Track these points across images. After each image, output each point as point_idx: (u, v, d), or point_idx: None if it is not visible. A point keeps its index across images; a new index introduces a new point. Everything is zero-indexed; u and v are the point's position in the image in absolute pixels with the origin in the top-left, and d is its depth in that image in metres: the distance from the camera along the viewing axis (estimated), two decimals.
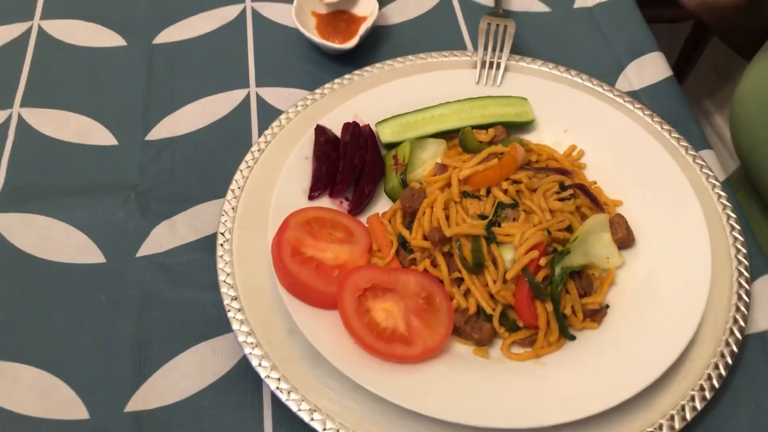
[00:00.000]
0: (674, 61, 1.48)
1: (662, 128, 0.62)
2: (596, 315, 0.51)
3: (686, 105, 0.67)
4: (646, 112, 0.63)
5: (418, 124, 0.60)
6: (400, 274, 0.51)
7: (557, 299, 0.49)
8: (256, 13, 0.75)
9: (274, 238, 0.52)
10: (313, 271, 0.51)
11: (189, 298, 0.54)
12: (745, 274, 0.53)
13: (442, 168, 0.56)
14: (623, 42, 0.72)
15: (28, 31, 0.73)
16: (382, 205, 0.58)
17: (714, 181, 0.59)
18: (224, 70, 0.70)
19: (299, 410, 0.47)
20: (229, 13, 0.75)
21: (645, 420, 0.47)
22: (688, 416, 0.47)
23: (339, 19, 0.72)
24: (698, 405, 0.47)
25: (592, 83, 0.65)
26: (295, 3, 0.70)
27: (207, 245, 0.57)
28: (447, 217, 0.53)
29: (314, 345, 0.48)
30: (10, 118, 0.66)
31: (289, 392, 0.47)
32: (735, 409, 0.49)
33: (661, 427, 0.46)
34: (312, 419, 0.46)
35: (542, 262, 0.50)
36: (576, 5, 0.76)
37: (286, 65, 0.70)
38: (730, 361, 0.49)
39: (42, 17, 0.74)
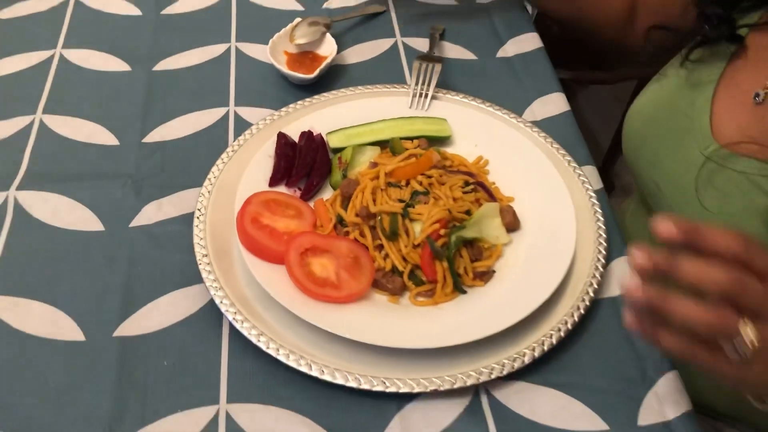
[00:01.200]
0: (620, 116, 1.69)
1: (552, 146, 0.78)
2: (484, 276, 0.66)
3: (578, 132, 0.83)
4: (541, 135, 0.80)
5: (360, 134, 0.76)
6: (335, 240, 0.67)
7: (452, 260, 0.64)
8: (238, 51, 0.92)
9: (239, 210, 0.67)
10: (267, 235, 0.66)
11: (169, 257, 0.69)
12: (603, 253, 0.69)
13: (374, 165, 0.72)
14: (533, 83, 0.90)
15: (52, 56, 0.89)
16: (327, 194, 0.74)
17: (588, 186, 0.75)
18: (209, 93, 0.86)
19: (250, 334, 0.61)
20: (216, 49, 0.92)
21: (514, 350, 0.61)
22: (545, 348, 0.61)
23: (305, 57, 0.89)
24: (554, 341, 0.62)
25: (501, 112, 0.82)
26: (270, 43, 0.87)
27: (186, 220, 0.71)
28: (374, 201, 0.68)
29: (265, 288, 0.62)
30: (33, 122, 0.81)
31: (242, 322, 0.62)
32: (584, 348, 0.64)
33: (524, 354, 0.61)
34: (259, 341, 0.61)
35: (442, 232, 0.65)
36: (498, 55, 0.94)
37: (259, 91, 0.86)
38: (583, 312, 0.64)
39: (63, 46, 0.91)
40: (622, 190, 1.94)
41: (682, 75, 0.72)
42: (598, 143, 1.90)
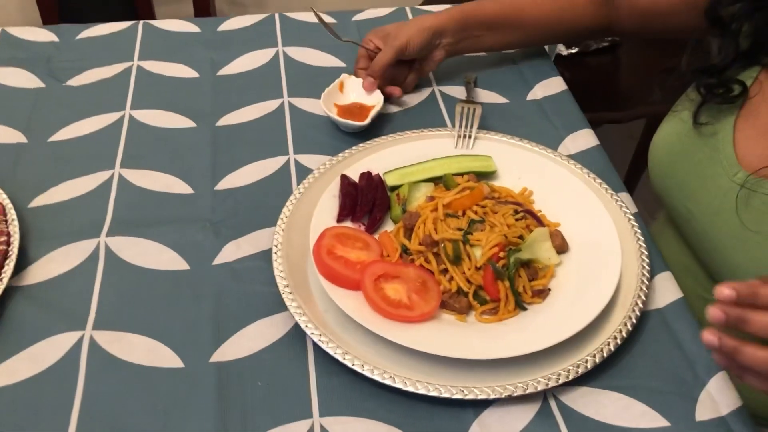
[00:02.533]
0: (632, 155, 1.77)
1: (588, 176, 0.86)
2: (541, 293, 0.73)
3: (609, 163, 0.91)
4: (578, 166, 0.87)
5: (414, 173, 0.84)
6: (403, 267, 0.73)
7: (512, 279, 0.71)
8: (291, 105, 1.00)
9: (315, 244, 0.74)
10: (343, 264, 0.73)
11: (252, 290, 0.76)
12: (647, 268, 0.75)
13: (431, 199, 0.79)
14: (562, 122, 0.98)
15: (122, 117, 0.98)
16: (389, 227, 0.81)
17: (626, 210, 0.82)
18: (270, 143, 0.94)
19: (335, 353, 0.67)
20: (271, 104, 1.00)
21: (577, 357, 0.67)
22: (605, 354, 0.67)
23: (354, 107, 0.97)
24: (612, 348, 0.68)
25: (539, 148, 0.90)
26: (322, 96, 0.96)
27: (264, 257, 0.78)
28: (435, 230, 0.76)
29: (344, 310, 0.69)
30: (113, 176, 0.89)
31: (327, 342, 0.68)
32: (639, 354, 0.70)
33: (586, 361, 0.67)
34: (344, 359, 0.67)
35: (501, 255, 0.72)
36: (528, 98, 1.03)
37: (314, 139, 0.94)
38: (634, 321, 0.70)
39: (132, 108, 1.00)
40: (622, 183, 2.02)
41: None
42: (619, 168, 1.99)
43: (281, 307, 0.72)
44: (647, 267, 0.76)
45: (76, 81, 1.04)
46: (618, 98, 1.64)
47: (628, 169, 1.80)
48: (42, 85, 1.03)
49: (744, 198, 0.73)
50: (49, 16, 1.50)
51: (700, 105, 0.77)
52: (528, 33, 1.02)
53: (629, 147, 1.83)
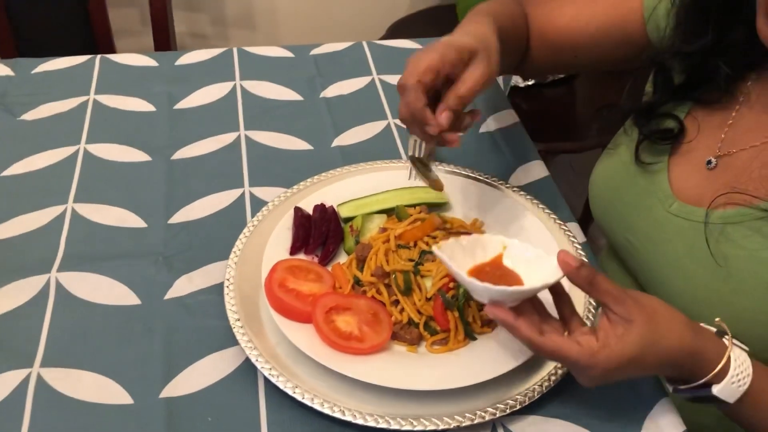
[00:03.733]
0: None
1: (538, 207, 0.88)
2: (491, 323, 0.74)
3: (558, 194, 0.94)
4: (528, 197, 0.89)
5: (367, 204, 0.85)
6: (354, 298, 0.74)
7: (462, 309, 0.72)
8: (248, 138, 1.01)
9: (266, 277, 0.75)
10: (294, 297, 0.73)
11: (204, 324, 0.75)
12: (593, 303, 0.77)
13: (383, 230, 0.81)
14: (514, 154, 1.00)
15: (77, 151, 0.98)
16: (342, 259, 0.81)
17: (574, 239, 0.84)
18: (225, 176, 0.94)
19: (285, 387, 0.67)
20: (227, 138, 1.01)
21: (524, 386, 0.68)
22: (551, 383, 0.69)
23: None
24: (558, 377, 0.69)
25: (490, 179, 0.92)
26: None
27: (216, 290, 0.78)
28: (387, 261, 0.76)
29: (295, 344, 0.69)
30: (65, 211, 0.89)
31: (278, 376, 0.68)
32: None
33: (533, 390, 0.68)
34: (294, 392, 0.67)
35: (451, 285, 0.73)
36: (481, 130, 1.05)
37: (270, 172, 0.95)
38: None
39: (87, 142, 1.00)
40: (598, 251, 2.06)
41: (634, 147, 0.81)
42: (572, 208, 2.03)
43: (233, 341, 0.72)
44: (592, 301, 0.77)
45: (30, 115, 1.04)
46: (574, 129, 1.68)
47: (585, 202, 1.84)
48: None
49: (678, 229, 0.75)
50: (5, 51, 1.50)
51: (639, 143, 0.79)
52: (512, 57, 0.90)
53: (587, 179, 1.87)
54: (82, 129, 1.02)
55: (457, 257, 0.65)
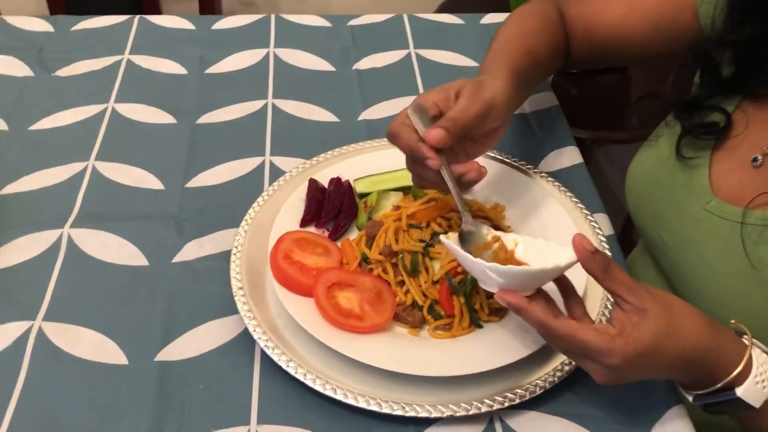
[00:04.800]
0: None
1: (565, 195, 0.84)
2: (498, 312, 0.71)
3: (590, 182, 0.89)
4: (555, 184, 0.85)
5: (384, 181, 0.83)
6: (359, 275, 0.72)
7: (468, 295, 0.69)
8: (274, 107, 1.00)
9: (272, 247, 0.73)
10: (298, 270, 0.71)
11: (208, 290, 0.75)
12: (609, 304, 0.73)
13: (397, 208, 0.78)
14: (548, 137, 0.96)
15: (104, 110, 0.98)
16: (353, 235, 0.79)
17: (599, 231, 0.80)
18: (247, 144, 0.93)
19: (279, 360, 0.66)
20: (254, 105, 1.00)
21: (527, 380, 0.65)
22: (556, 380, 0.65)
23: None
24: (564, 374, 0.66)
25: (518, 163, 0.88)
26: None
27: (224, 257, 0.77)
28: (396, 241, 0.74)
29: (293, 316, 0.67)
30: (86, 168, 0.89)
31: (273, 348, 0.67)
32: (590, 384, 0.66)
33: (536, 385, 0.65)
34: (288, 366, 0.65)
35: (459, 269, 0.70)
36: (516, 111, 1.00)
37: (292, 142, 0.93)
38: None
39: (116, 101, 1.00)
40: (601, 203, 1.97)
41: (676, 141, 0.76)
42: (620, 200, 1.95)
43: (234, 309, 0.71)
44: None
45: (64, 71, 1.04)
46: (624, 118, 1.61)
47: None
48: (31, 74, 1.03)
49: (715, 228, 0.70)
50: (55, 8, 1.52)
51: (681, 137, 0.74)
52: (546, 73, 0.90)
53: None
54: (113, 88, 1.02)
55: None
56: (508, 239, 0.65)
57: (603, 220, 0.83)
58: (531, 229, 0.79)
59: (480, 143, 0.72)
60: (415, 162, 0.67)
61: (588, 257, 0.57)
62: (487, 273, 0.58)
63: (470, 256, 0.59)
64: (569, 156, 0.93)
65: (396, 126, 0.67)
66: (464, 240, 0.67)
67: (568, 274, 0.62)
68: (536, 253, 0.64)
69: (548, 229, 0.79)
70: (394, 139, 0.68)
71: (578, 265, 0.69)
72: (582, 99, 1.58)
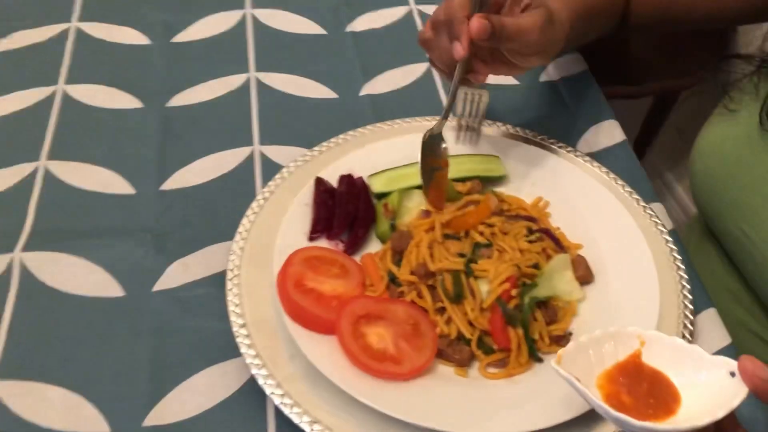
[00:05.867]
0: (638, 131, 1.62)
1: (616, 183, 0.71)
2: (561, 340, 0.58)
3: (637, 164, 0.76)
4: (603, 170, 0.72)
5: (406, 177, 0.69)
6: (390, 304, 0.59)
7: (527, 325, 0.57)
8: (259, 82, 0.84)
9: (279, 272, 0.59)
10: (314, 301, 0.58)
11: (201, 327, 0.61)
12: (690, 306, 0.61)
13: (427, 214, 0.64)
14: (583, 111, 0.82)
15: (53, 94, 0.81)
16: (374, 247, 0.66)
17: (662, 228, 0.67)
18: (230, 130, 0.78)
19: (301, 422, 0.53)
20: (234, 80, 0.84)
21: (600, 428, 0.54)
22: None
23: None
24: None
25: (556, 145, 0.74)
26: None
27: (217, 281, 0.63)
28: (431, 256, 0.61)
29: (314, 364, 0.54)
30: (36, 169, 0.73)
31: (291, 406, 0.54)
32: None
33: None
34: (312, 430, 0.53)
35: (513, 292, 0.57)
36: (542, 79, 0.86)
37: (285, 126, 0.78)
38: None
39: (66, 82, 0.83)
40: (654, 192, 1.88)
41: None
42: None
43: (236, 350, 0.58)
44: (690, 305, 0.61)
45: (2, 45, 0.87)
46: (630, 71, 1.47)
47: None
48: None
49: None
50: None
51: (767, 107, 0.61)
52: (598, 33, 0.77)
53: (632, 124, 1.67)
54: (61, 65, 0.85)
55: (580, 364, 0.47)
56: (629, 335, 0.49)
57: (661, 212, 0.71)
58: (582, 229, 0.67)
59: (505, 63, 0.62)
60: (438, 31, 0.60)
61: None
62: (637, 430, 0.43)
63: (605, 406, 0.44)
64: (609, 133, 0.80)
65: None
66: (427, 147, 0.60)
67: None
68: (674, 362, 0.47)
69: (603, 227, 0.66)
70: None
71: (648, 309, 0.58)
72: (582, 51, 1.44)
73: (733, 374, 0.44)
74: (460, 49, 0.57)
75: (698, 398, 0.45)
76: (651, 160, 1.71)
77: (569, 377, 0.45)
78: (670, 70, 1.46)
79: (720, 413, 0.42)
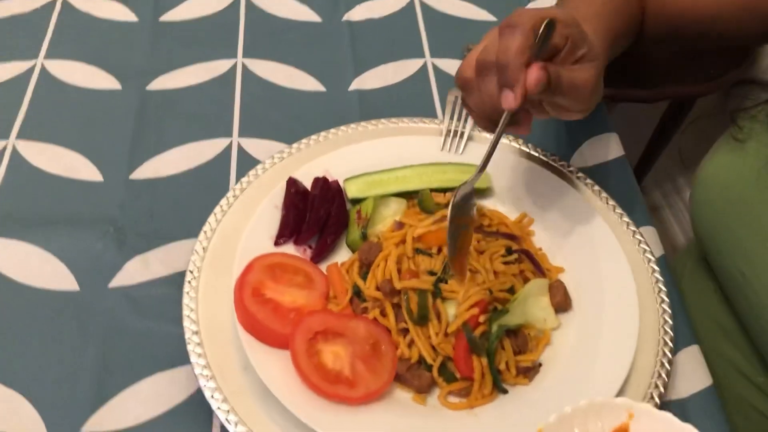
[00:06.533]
0: (648, 138, 1.56)
1: (607, 204, 0.67)
2: (529, 372, 0.55)
3: (634, 183, 0.72)
4: (595, 188, 0.68)
5: (383, 183, 0.65)
6: (351, 321, 0.55)
7: (492, 354, 0.53)
8: (245, 69, 0.80)
9: (237, 279, 0.56)
10: (270, 312, 0.55)
11: (154, 330, 0.58)
12: (670, 344, 0.58)
13: (400, 225, 0.61)
14: (581, 122, 0.77)
15: (32, 69, 0.78)
16: (342, 256, 0.62)
17: (650, 256, 0.63)
18: (211, 119, 0.75)
19: None
20: (221, 66, 0.80)
21: None
22: None
23: None
24: None
25: (548, 158, 0.70)
26: None
27: (176, 281, 0.60)
28: (399, 271, 0.57)
29: (263, 380, 0.51)
30: (4, 149, 0.70)
31: (237, 424, 0.51)
32: None
33: None
34: None
35: (481, 319, 0.54)
36: None
37: (268, 119, 0.75)
38: None
39: (46, 56, 0.80)
40: (651, 209, 1.82)
41: None
42: (627, 156, 1.78)
43: (188, 358, 0.55)
44: (670, 343, 0.58)
45: None
46: (644, 73, 1.42)
47: (640, 157, 1.59)
48: None
49: None
50: None
51: None
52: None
53: (645, 130, 1.61)
54: (44, 38, 0.82)
55: None
56: (617, 407, 0.45)
57: (651, 237, 0.67)
58: (565, 252, 0.63)
59: (543, 112, 0.55)
60: (484, 73, 0.50)
61: None
62: None
63: None
64: (607, 146, 0.76)
65: (525, 23, 0.47)
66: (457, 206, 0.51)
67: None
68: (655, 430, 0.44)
69: (587, 252, 0.63)
70: (509, 31, 0.48)
71: (625, 343, 0.54)
72: None
73: None
74: (512, 100, 0.48)
75: None
76: (662, 167, 1.66)
77: None
78: (689, 74, 1.40)
79: None
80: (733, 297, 0.64)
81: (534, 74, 0.47)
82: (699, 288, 0.72)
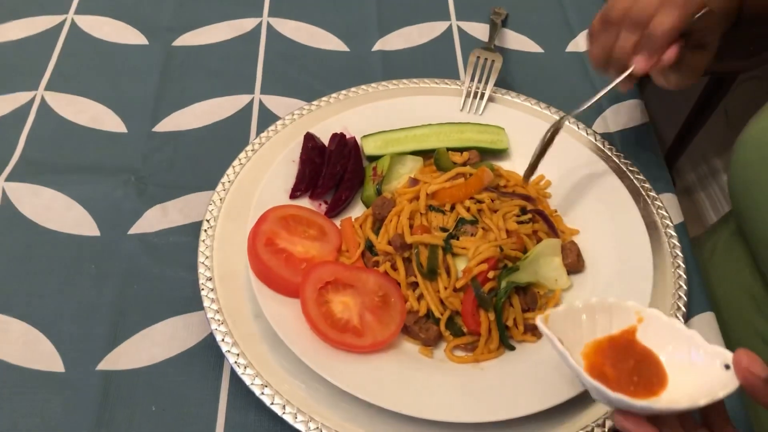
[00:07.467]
0: (689, 110, 1.52)
1: (627, 169, 0.66)
2: (536, 330, 0.55)
3: (657, 150, 0.71)
4: (615, 153, 0.67)
5: (400, 141, 0.65)
6: (361, 273, 0.56)
7: (500, 310, 0.54)
8: (270, 27, 0.81)
9: (252, 228, 0.57)
10: (282, 262, 0.56)
11: (169, 275, 0.59)
12: (683, 309, 0.57)
13: (414, 182, 0.61)
14: (605, 85, 0.76)
15: (62, 23, 0.79)
16: (357, 212, 0.63)
17: (668, 222, 0.63)
18: (233, 76, 0.75)
19: (252, 384, 0.51)
20: (246, 24, 0.81)
21: (573, 427, 0.51)
22: (607, 429, 0.50)
23: None
24: None
25: (569, 121, 0.70)
26: None
27: (193, 230, 0.62)
28: (411, 227, 0.57)
29: (273, 326, 0.52)
30: (33, 99, 0.72)
31: (245, 367, 0.52)
32: None
33: (592, 429, 0.50)
34: (262, 393, 0.51)
35: (490, 275, 0.54)
36: (568, 49, 0.81)
37: (290, 77, 0.75)
38: None
39: (76, 11, 0.81)
40: (685, 191, 1.79)
41: None
42: (661, 136, 1.74)
43: (201, 303, 0.56)
44: (683, 308, 0.57)
45: None
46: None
47: (678, 132, 1.55)
48: None
49: None
50: None
51: None
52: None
53: (683, 106, 1.57)
54: None
55: (568, 329, 0.44)
56: (627, 309, 0.45)
57: (671, 204, 0.66)
58: (581, 215, 0.63)
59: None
60: (620, 25, 0.56)
61: (760, 387, 0.40)
62: (610, 400, 0.40)
63: (582, 372, 0.41)
64: (631, 113, 0.75)
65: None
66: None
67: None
68: (668, 345, 0.44)
69: (603, 216, 0.62)
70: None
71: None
72: None
73: (727, 366, 0.40)
74: (644, 65, 0.55)
75: (685, 384, 0.42)
76: (699, 145, 1.62)
77: (551, 336, 0.42)
78: (732, 48, 1.35)
79: (702, 401, 0.39)
80: (764, 262, 0.62)
81: (672, 53, 0.54)
82: (734, 257, 0.71)
